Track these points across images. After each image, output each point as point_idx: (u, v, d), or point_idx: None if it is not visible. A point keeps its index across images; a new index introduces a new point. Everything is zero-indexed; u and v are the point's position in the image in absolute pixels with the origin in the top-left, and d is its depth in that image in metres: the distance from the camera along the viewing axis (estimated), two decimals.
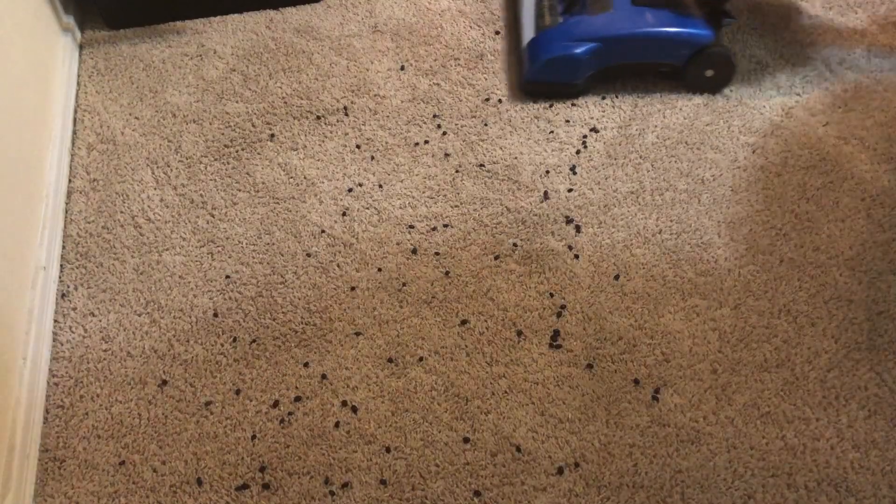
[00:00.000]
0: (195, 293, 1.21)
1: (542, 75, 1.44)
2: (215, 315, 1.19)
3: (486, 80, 1.48)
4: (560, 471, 1.03)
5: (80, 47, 1.58)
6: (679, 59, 1.43)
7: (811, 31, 1.56)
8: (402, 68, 1.51)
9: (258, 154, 1.40)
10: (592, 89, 1.46)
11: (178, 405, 1.10)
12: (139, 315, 1.19)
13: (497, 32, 1.56)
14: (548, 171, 1.35)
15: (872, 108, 1.42)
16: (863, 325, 1.15)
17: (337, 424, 1.08)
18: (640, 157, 1.37)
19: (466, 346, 1.15)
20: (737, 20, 1.50)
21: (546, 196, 1.32)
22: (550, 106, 1.45)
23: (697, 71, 1.44)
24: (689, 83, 1.47)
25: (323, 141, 1.41)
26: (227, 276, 1.23)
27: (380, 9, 1.62)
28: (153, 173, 1.37)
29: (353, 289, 1.21)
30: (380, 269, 1.24)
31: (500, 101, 1.45)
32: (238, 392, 1.11)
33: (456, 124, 1.43)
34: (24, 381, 1.07)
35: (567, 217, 1.29)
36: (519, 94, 1.45)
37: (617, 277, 1.21)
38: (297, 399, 1.10)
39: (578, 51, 1.40)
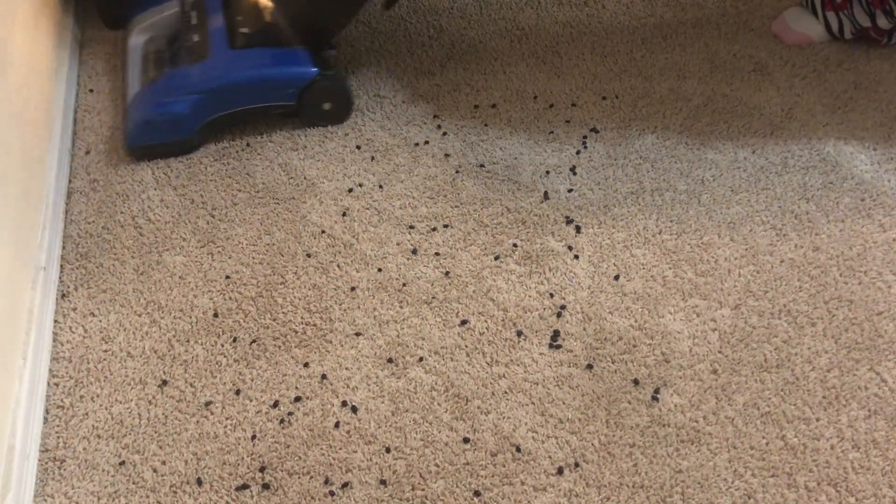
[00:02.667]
0: (195, 293, 1.21)
1: (144, 137, 1.34)
2: (215, 315, 1.19)
3: None
4: (560, 471, 1.03)
5: (81, 47, 1.58)
6: (289, 98, 1.35)
7: None
8: (404, 69, 1.52)
9: (258, 154, 1.40)
10: (211, 139, 1.39)
11: (178, 405, 1.10)
12: (139, 315, 1.19)
13: None
14: (548, 172, 1.35)
15: (872, 108, 1.42)
16: (863, 325, 1.15)
17: (337, 424, 1.08)
18: (640, 157, 1.37)
19: (466, 346, 1.15)
20: (335, 52, 1.38)
21: (546, 196, 1.32)
22: (551, 106, 1.45)
23: (313, 106, 1.37)
24: (308, 120, 1.40)
25: (323, 141, 1.41)
26: (228, 277, 1.23)
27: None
28: (153, 173, 1.37)
29: (353, 289, 1.21)
30: (380, 270, 1.24)
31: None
32: (238, 392, 1.11)
33: (456, 124, 1.43)
34: (24, 381, 1.07)
35: (567, 217, 1.29)
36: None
37: (617, 278, 1.21)
38: (297, 399, 1.10)
39: (177, 108, 1.31)
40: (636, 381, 1.11)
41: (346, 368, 1.13)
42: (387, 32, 1.61)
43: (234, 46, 1.36)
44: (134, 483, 1.03)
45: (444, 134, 1.42)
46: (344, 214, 1.31)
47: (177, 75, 1.36)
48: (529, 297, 1.20)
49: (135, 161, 1.39)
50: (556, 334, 1.15)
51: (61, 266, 1.25)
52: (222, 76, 1.33)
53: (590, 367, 1.12)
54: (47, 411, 1.10)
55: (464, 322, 1.17)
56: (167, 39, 1.44)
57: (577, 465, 1.03)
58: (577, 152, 1.38)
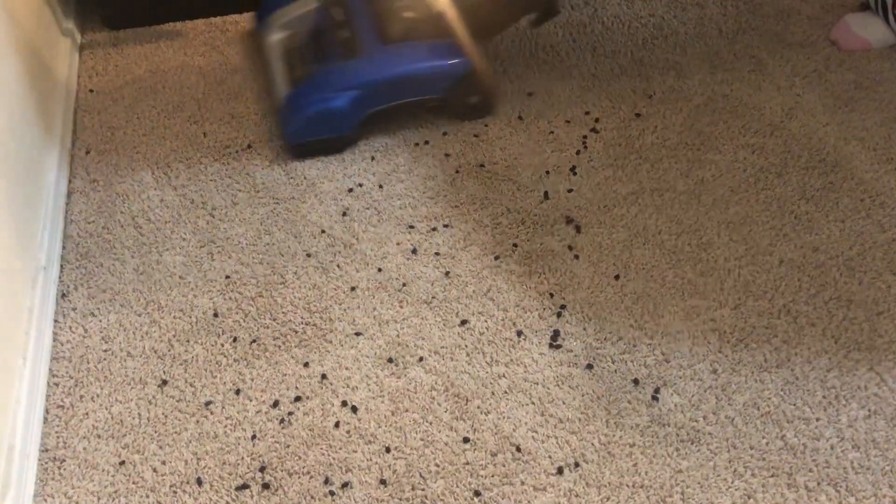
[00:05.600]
0: (195, 293, 1.21)
1: (304, 134, 1.34)
2: (215, 315, 1.19)
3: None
4: (560, 471, 1.03)
5: (80, 48, 1.59)
6: (442, 92, 1.36)
7: (811, 32, 1.56)
8: None
9: (258, 154, 1.40)
10: (364, 136, 1.40)
11: (178, 405, 1.10)
12: (139, 315, 1.19)
13: None
14: (548, 172, 1.35)
15: (872, 108, 1.42)
16: (863, 325, 1.15)
17: (337, 424, 1.08)
18: (640, 157, 1.37)
19: (466, 346, 1.15)
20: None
21: (546, 196, 1.32)
22: (551, 106, 1.45)
23: (461, 99, 1.38)
24: (454, 112, 1.41)
25: None
26: (228, 277, 1.23)
27: None
28: (153, 173, 1.37)
29: (353, 289, 1.21)
30: (380, 269, 1.24)
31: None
32: (238, 392, 1.11)
33: (456, 124, 1.43)
34: (24, 381, 1.07)
35: (567, 217, 1.29)
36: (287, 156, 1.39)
37: (617, 277, 1.21)
38: (297, 399, 1.10)
39: (338, 102, 1.31)
40: (636, 381, 1.11)
41: (346, 368, 1.13)
42: None
43: (387, 42, 1.35)
44: (134, 483, 1.03)
45: (444, 134, 1.42)
46: (344, 214, 1.31)
47: (334, 71, 1.35)
48: (529, 296, 1.20)
49: (134, 161, 1.39)
50: (556, 334, 1.15)
51: (61, 266, 1.25)
52: (381, 70, 1.33)
53: (590, 367, 1.12)
54: (47, 411, 1.10)
55: (464, 322, 1.17)
56: (308, 36, 1.42)
57: (577, 464, 1.03)
58: (577, 152, 1.38)
